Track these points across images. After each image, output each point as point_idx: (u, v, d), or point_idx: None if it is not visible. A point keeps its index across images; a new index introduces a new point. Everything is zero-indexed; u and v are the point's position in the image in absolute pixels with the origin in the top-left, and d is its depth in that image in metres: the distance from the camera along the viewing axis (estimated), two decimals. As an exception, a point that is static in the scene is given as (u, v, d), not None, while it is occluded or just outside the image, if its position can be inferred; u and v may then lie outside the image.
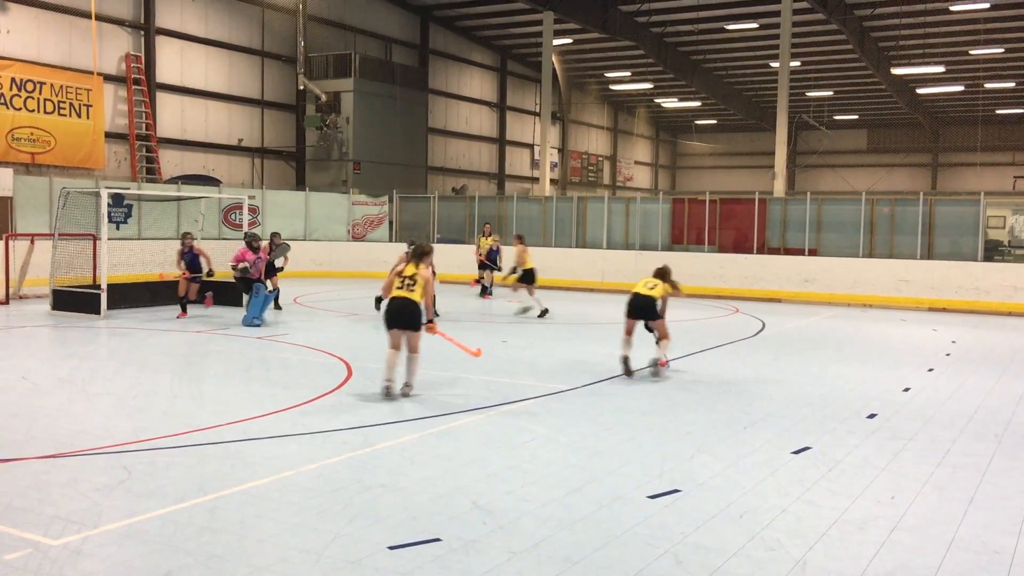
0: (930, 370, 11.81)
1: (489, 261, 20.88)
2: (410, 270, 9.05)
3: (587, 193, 39.75)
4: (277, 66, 31.16)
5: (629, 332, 10.84)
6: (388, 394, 9.01)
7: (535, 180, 42.16)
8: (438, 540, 5.17)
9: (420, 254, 9.19)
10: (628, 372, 10.57)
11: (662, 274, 10.95)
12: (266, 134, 31.19)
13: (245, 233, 16.49)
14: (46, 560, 4.75)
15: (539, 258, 25.36)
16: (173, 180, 26.36)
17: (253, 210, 26.06)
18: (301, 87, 31.12)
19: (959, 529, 5.54)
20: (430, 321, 9.11)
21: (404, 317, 8.95)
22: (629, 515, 5.69)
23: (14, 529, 5.20)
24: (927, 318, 18.46)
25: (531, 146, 43.87)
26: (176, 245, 16.87)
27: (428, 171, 35.91)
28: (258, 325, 14.76)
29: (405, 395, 9.11)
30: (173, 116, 27.90)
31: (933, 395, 10.04)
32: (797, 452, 7.32)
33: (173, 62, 27.74)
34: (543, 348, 13.08)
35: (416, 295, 8.94)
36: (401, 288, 9.00)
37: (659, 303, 10.73)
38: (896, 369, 11.82)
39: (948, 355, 13.31)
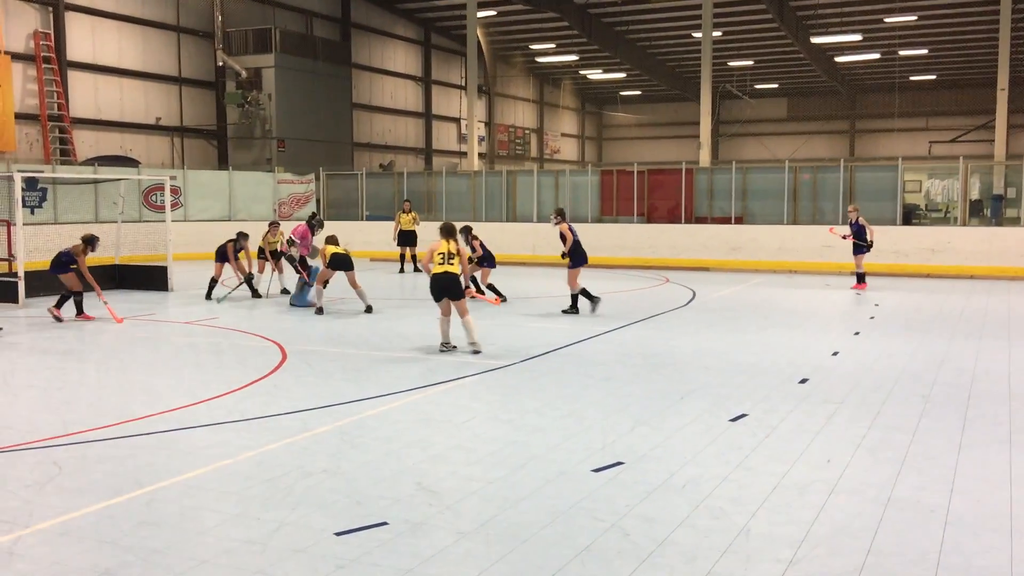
0: (856, 334, 12.13)
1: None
2: (446, 247, 10.20)
3: (515, 167, 39.69)
4: (194, 42, 30.28)
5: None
6: (448, 351, 10.36)
7: (463, 155, 41.94)
8: (385, 524, 5.12)
9: (451, 232, 10.39)
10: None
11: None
12: (185, 112, 30.34)
13: (312, 214, 16.99)
14: (-25, 564, 4.57)
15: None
16: (89, 162, 25.49)
17: (175, 191, 25.40)
18: (220, 63, 30.32)
19: (894, 489, 5.70)
20: (466, 287, 10.21)
21: (450, 288, 10.13)
22: (574, 490, 5.72)
23: (-61, 533, 4.99)
24: (850, 282, 18.93)
25: (458, 120, 43.59)
26: (94, 228, 16.34)
27: (354, 147, 35.41)
28: (299, 305, 14.86)
29: (477, 352, 10.24)
30: (86, 95, 26.93)
31: (861, 358, 10.31)
32: (734, 420, 7.45)
33: (84, 39, 26.73)
34: (478, 324, 13.03)
35: (456, 268, 10.15)
36: (443, 264, 10.16)
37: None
38: (824, 334, 12.11)
39: (872, 318, 13.69)
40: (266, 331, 12.22)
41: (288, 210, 28.46)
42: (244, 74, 30.20)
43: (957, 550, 4.74)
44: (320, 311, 13.97)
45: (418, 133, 41.38)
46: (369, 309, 14.01)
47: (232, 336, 12.01)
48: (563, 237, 13.77)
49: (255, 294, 16.15)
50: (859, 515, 5.26)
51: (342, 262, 13.90)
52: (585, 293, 13.57)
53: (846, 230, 17.63)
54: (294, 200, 28.58)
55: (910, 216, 23.43)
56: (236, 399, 8.23)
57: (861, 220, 17.38)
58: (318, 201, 28.84)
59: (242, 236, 16.05)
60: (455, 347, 10.59)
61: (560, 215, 14.38)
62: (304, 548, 4.79)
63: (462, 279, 10.37)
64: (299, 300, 14.94)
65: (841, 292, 17.36)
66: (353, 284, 14.04)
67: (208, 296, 15.84)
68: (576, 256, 13.71)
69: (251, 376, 9.21)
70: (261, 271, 16.81)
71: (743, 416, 7.56)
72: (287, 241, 16.20)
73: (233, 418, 7.53)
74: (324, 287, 14.21)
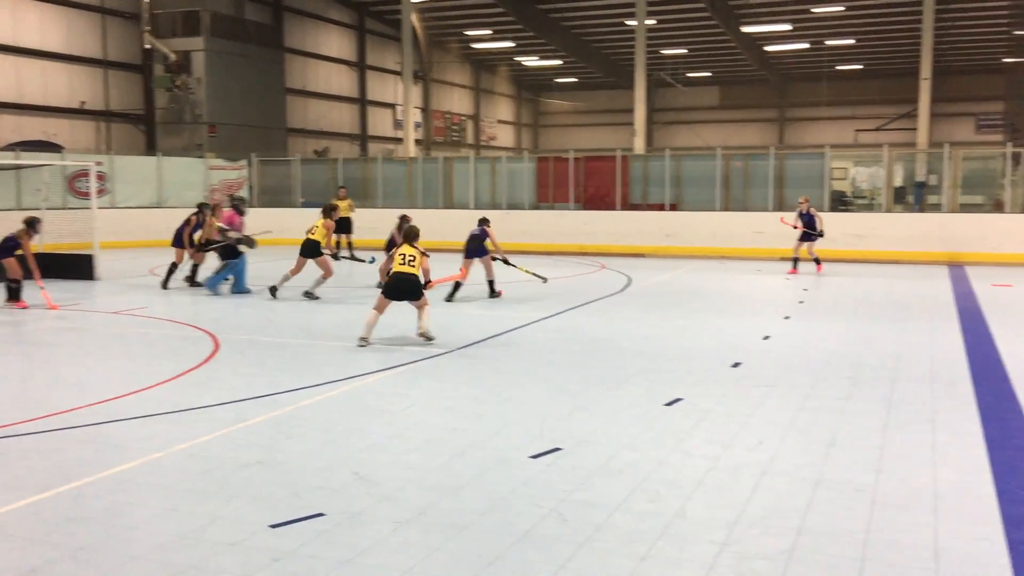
0: (786, 318, 12.39)
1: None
2: (408, 250, 10.37)
3: (452, 153, 39.53)
4: (120, 24, 29.46)
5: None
6: (364, 346, 10.15)
7: (399, 141, 41.60)
8: (322, 515, 5.07)
9: (413, 236, 10.60)
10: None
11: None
12: (112, 96, 29.53)
13: (232, 197, 16.02)
14: None
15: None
16: (10, 147, 24.63)
17: (101, 177, 24.71)
18: (148, 46, 29.57)
19: (824, 470, 5.84)
20: (428, 282, 10.46)
21: (408, 290, 10.26)
22: (513, 476, 5.74)
23: None
24: (781, 267, 19.31)
25: (393, 106, 43.21)
26: (16, 216, 15.79)
27: (288, 133, 34.90)
28: (218, 294, 14.52)
29: (429, 340, 10.24)
30: (7, 79, 26.03)
31: (791, 342, 10.54)
32: (669, 404, 7.55)
33: (4, 20, 25.82)
34: (415, 312, 12.96)
35: (416, 270, 10.29)
36: (404, 264, 10.29)
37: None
38: (755, 318, 12.34)
39: (801, 303, 13.99)
40: (198, 320, 11.98)
41: (220, 197, 27.91)
42: (173, 57, 29.49)
43: (884, 527, 4.88)
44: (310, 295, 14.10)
45: (353, 119, 40.93)
46: (309, 295, 14.03)
47: (162, 326, 11.75)
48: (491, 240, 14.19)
49: (193, 282, 15.78)
50: (790, 496, 5.38)
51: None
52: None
53: (796, 219, 17.98)
54: (226, 186, 28.03)
55: (837, 203, 23.98)
56: (167, 390, 8.07)
57: (811, 210, 17.80)
58: (251, 188, 28.35)
59: (204, 207, 15.67)
60: (370, 344, 10.27)
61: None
62: (239, 541, 4.72)
63: (421, 278, 10.42)
64: (212, 285, 14.67)
65: (771, 277, 17.70)
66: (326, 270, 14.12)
67: (164, 285, 15.37)
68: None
69: (183, 366, 9.03)
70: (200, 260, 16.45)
71: (678, 400, 7.67)
72: (218, 228, 15.85)
73: (165, 410, 7.37)
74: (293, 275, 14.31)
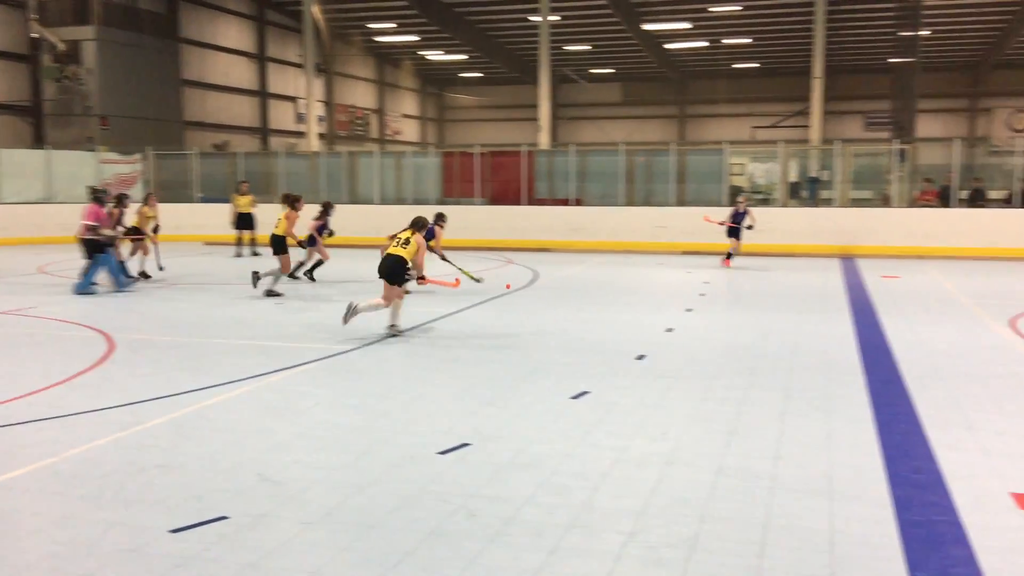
0: (688, 310, 12.66)
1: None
2: (406, 234, 10.40)
3: (356, 147, 39.06)
4: (4, 11, 28.12)
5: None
6: (396, 334, 10.34)
7: (301, 135, 40.87)
8: (225, 518, 4.95)
9: (419, 226, 10.56)
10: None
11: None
12: (-6, 87, 28.17)
13: (93, 189, 15.26)
14: None
15: (312, 214, 24.73)
16: None
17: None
18: (35, 35, 28.27)
19: (725, 458, 6.00)
20: (422, 277, 10.41)
21: (390, 272, 10.12)
22: (421, 473, 5.71)
23: None
24: (682, 261, 19.74)
25: (295, 99, 42.43)
26: None
27: (186, 126, 33.92)
28: (92, 293, 13.89)
29: (394, 335, 10.27)
30: None
31: (693, 334, 10.77)
32: (576, 397, 7.63)
33: None
34: (319, 309, 12.80)
35: (406, 253, 10.18)
36: (396, 246, 10.30)
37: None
38: (659, 311, 12.58)
39: (703, 295, 14.32)
40: (91, 320, 11.54)
41: (115, 191, 26.93)
42: (61, 47, 28.32)
43: (782, 513, 5.04)
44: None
45: (254, 112, 40.04)
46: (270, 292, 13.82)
47: (52, 326, 11.27)
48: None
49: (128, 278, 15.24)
50: (694, 484, 5.50)
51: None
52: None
53: (723, 216, 18.35)
54: (120, 181, 27.05)
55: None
56: (59, 393, 7.75)
57: (747, 208, 18.29)
58: (148, 182, 27.44)
59: (122, 197, 15.16)
60: (402, 331, 10.53)
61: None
62: (137, 548, 4.57)
63: (414, 272, 10.42)
64: (84, 286, 14.07)
65: (674, 270, 18.06)
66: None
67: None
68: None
69: (76, 368, 8.69)
70: (144, 253, 15.92)
71: (585, 393, 7.76)
72: (87, 226, 14.87)
73: (56, 414, 7.07)
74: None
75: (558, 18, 35.20)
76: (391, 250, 10.33)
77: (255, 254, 20.60)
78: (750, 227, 18.21)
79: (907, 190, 23.27)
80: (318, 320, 11.75)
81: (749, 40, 40.49)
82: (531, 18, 35.24)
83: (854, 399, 7.58)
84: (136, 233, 15.83)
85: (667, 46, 43.06)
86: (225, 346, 9.94)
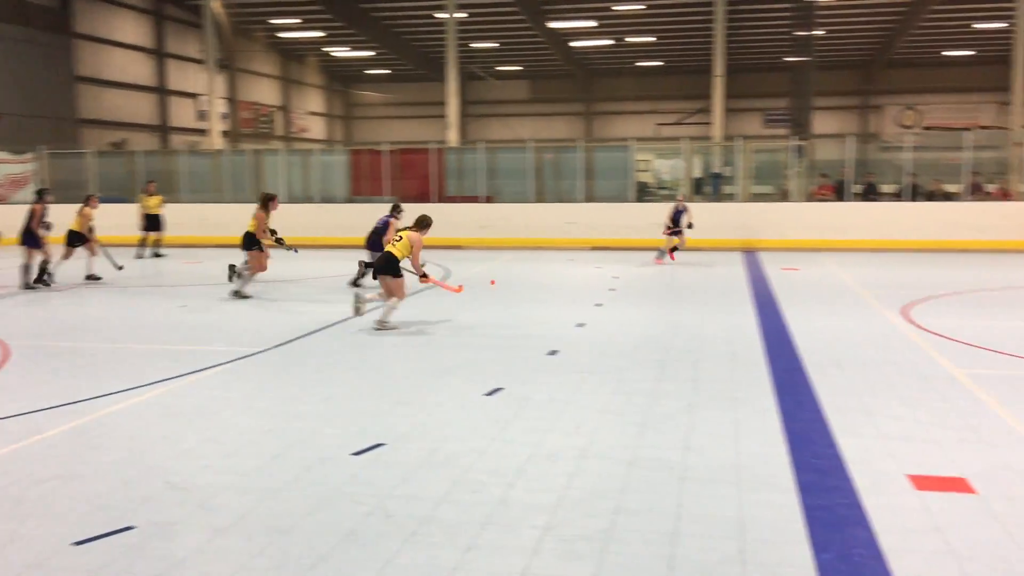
0: (599, 305, 12.83)
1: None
2: (403, 232, 10.81)
3: (261, 145, 38.29)
4: None
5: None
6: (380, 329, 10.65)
7: (204, 133, 39.84)
8: (131, 528, 4.80)
9: (423, 224, 10.94)
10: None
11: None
12: None
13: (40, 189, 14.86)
14: None
15: (216, 214, 24.18)
16: None
17: None
18: (-87, 28, 26.88)
19: (637, 450, 6.10)
20: (424, 276, 10.81)
21: (383, 267, 10.61)
22: (335, 475, 5.65)
23: None
24: (591, 257, 19.99)
25: (197, 96, 41.32)
26: None
27: (81, 124, 32.69)
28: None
29: (377, 329, 10.60)
30: None
31: (604, 328, 10.92)
32: (490, 394, 7.66)
33: None
34: (227, 310, 12.52)
35: (396, 250, 10.61)
36: (392, 243, 10.81)
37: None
38: (570, 306, 12.71)
39: (612, 290, 14.53)
40: (-18, 327, 11.04)
41: (5, 192, 25.82)
42: (-57, 40, 26.96)
43: (693, 502, 5.16)
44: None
45: (153, 110, 38.84)
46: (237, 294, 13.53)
47: (-59, 335, 10.74)
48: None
49: (41, 280, 14.65)
50: (608, 477, 5.58)
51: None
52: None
53: (666, 219, 18.53)
54: (11, 181, 25.95)
55: (642, 194, 25.04)
56: (-51, 405, 7.39)
57: (685, 206, 18.55)
58: (42, 182, 26.34)
59: (44, 193, 14.75)
60: (395, 327, 10.77)
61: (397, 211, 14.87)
62: (39, 562, 4.40)
63: (413, 269, 10.78)
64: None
65: (583, 266, 18.27)
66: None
67: (36, 282, 14.43)
68: None
69: (-34, 378, 8.30)
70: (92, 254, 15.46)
71: (499, 390, 7.79)
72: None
73: (-54, 426, 6.75)
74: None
75: (464, 15, 35.16)
76: (387, 247, 10.89)
77: (157, 255, 20.04)
78: (690, 225, 18.46)
79: (805, 185, 24.04)
80: (226, 322, 11.50)
81: (653, 38, 41.19)
82: (437, 15, 35.12)
83: (759, 388, 7.81)
84: (80, 239, 15.39)
85: (573, 44, 43.48)
86: (130, 351, 9.63)
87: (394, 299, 10.76)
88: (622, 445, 6.22)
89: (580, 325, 11.10)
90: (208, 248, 22.51)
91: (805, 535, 4.69)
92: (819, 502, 5.14)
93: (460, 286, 11.77)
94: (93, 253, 15.55)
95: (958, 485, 5.41)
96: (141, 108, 37.96)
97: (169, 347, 9.79)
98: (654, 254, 18.96)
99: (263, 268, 13.73)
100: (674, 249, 18.78)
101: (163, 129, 38.95)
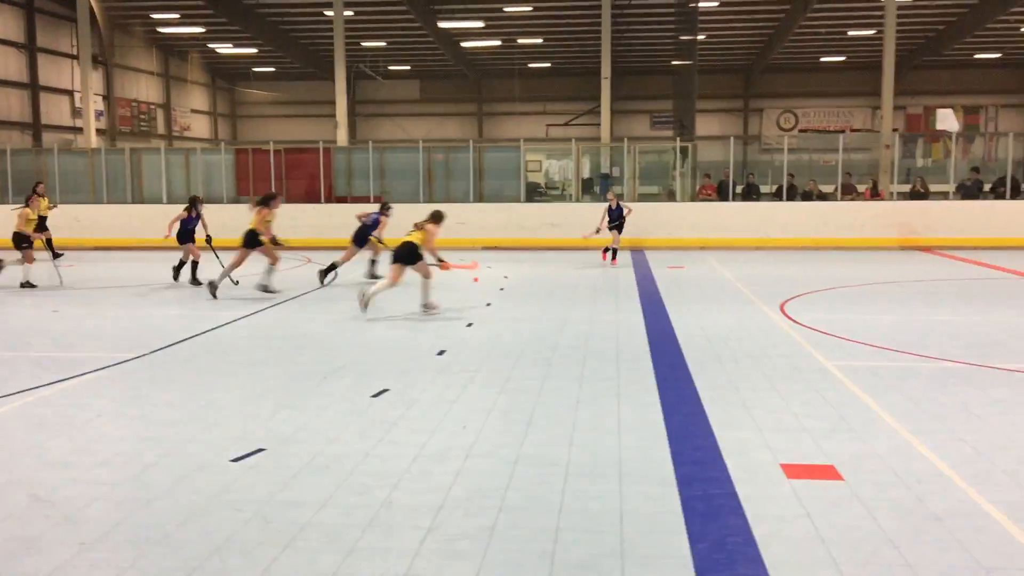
0: (488, 305, 12.87)
1: None
2: (420, 224, 11.95)
3: (141, 144, 36.92)
4: None
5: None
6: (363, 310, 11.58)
7: (79, 131, 38.18)
8: (-10, 545, 4.55)
9: (436, 218, 12.17)
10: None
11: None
12: None
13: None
14: None
15: (91, 216, 23.20)
16: None
17: None
18: None
19: (522, 448, 6.13)
20: (441, 260, 12.07)
21: (403, 255, 11.64)
22: (212, 482, 5.48)
23: None
24: (482, 256, 19.99)
25: (72, 93, 39.56)
26: None
27: (-59, 121, 30.84)
28: None
29: (430, 311, 11.80)
30: None
31: (493, 327, 10.95)
32: (376, 396, 7.57)
33: None
34: (104, 315, 12.02)
35: (413, 237, 11.75)
36: (411, 232, 11.91)
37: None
38: (459, 307, 12.70)
39: (502, 290, 14.60)
40: None
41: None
42: None
43: (576, 497, 5.22)
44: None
45: (23, 107, 36.96)
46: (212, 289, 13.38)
47: None
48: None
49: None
50: (492, 475, 5.59)
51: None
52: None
53: (600, 221, 18.56)
54: None
55: (532, 194, 25.26)
56: None
57: (620, 203, 18.66)
58: None
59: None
60: (437, 308, 11.91)
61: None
62: None
63: (428, 255, 11.90)
64: None
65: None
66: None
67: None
68: None
69: None
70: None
71: (385, 391, 7.71)
72: None
73: None
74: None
75: (351, 13, 34.74)
76: (406, 237, 11.83)
77: (56, 255, 19.10)
78: (624, 216, 18.55)
79: (690, 185, 24.69)
80: (96, 327, 11.04)
81: (540, 40, 41.55)
82: (326, 13, 34.56)
83: (642, 384, 7.96)
84: (25, 241, 14.95)
85: (463, 44, 43.47)
86: (-8, 359, 9.14)
87: (388, 283, 11.71)
88: (508, 443, 6.24)
89: (469, 325, 11.10)
90: (84, 251, 21.58)
91: (682, 526, 4.80)
92: (696, 493, 5.27)
93: (475, 262, 13.01)
94: (29, 261, 15.04)
95: (827, 472, 5.63)
96: (10, 105, 36.08)
97: (37, 354, 9.33)
98: (538, 254, 19.13)
99: (277, 258, 14.02)
100: (607, 250, 18.92)
101: (35, 127, 37.15)
